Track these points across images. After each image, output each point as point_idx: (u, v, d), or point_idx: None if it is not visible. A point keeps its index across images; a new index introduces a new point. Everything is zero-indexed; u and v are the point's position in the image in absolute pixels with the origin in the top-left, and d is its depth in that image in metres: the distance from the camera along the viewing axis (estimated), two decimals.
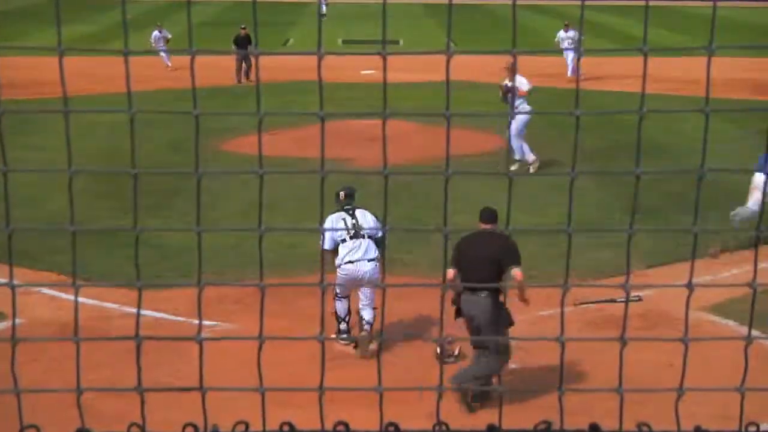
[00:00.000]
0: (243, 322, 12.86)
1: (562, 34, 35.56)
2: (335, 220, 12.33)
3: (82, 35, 47.78)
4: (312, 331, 12.12)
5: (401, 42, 46.10)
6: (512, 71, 20.05)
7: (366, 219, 12.44)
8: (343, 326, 12.58)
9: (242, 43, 35.53)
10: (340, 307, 12.54)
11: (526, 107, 20.86)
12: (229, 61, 36.30)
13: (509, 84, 20.71)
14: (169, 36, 38.78)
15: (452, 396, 10.73)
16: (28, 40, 43.35)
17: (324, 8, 62.97)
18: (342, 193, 12.51)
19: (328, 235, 12.13)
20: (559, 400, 2.42)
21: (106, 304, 13.53)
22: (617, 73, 34.95)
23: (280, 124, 25.09)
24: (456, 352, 11.92)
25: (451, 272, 10.71)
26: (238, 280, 14.37)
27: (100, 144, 22.72)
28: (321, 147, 2.57)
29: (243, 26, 35.70)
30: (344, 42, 48.55)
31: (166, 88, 31.54)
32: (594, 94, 30.63)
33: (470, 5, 67.36)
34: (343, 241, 12.27)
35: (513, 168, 20.72)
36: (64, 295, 14.02)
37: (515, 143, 21.15)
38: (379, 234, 12.24)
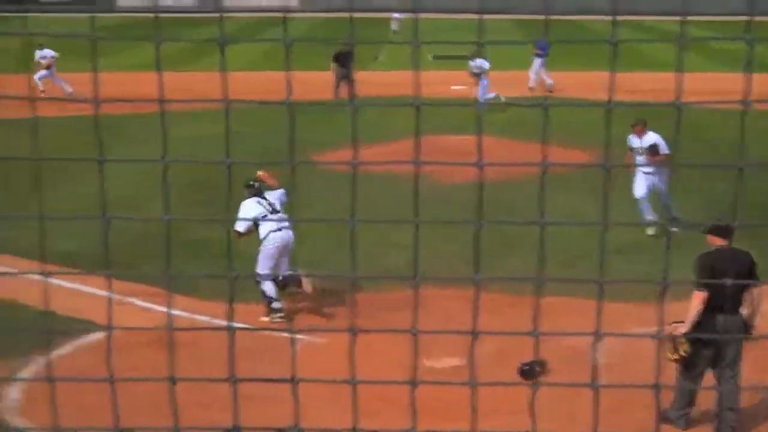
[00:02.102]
0: (330, 335, 12.91)
1: (471, 63, 33.48)
2: (252, 204, 14.18)
3: (174, 51, 48.56)
4: (401, 347, 12.18)
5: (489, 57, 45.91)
6: (643, 126, 18.03)
7: (274, 195, 14.36)
8: (277, 305, 13.88)
9: (342, 59, 35.81)
10: (270, 288, 13.92)
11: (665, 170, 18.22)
12: (324, 76, 36.42)
13: (640, 143, 18.15)
14: (54, 54, 34.99)
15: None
16: (121, 57, 44.18)
17: (396, 25, 63.11)
18: (251, 183, 14.34)
19: (248, 214, 14.04)
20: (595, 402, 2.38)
21: (198, 317, 13.72)
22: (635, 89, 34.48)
23: (372, 139, 25.19)
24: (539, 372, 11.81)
25: (702, 295, 10.14)
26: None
27: (193, 157, 23.07)
28: (415, 134, 2.59)
29: (343, 42, 35.93)
30: (434, 57, 48.63)
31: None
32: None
33: (563, 21, 66.88)
34: (264, 217, 14.04)
35: (651, 233, 18.14)
36: (156, 307, 14.25)
37: (647, 206, 18.26)
38: (284, 199, 14.42)
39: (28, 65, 34.72)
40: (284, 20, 2.60)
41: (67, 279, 15.02)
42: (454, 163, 2.43)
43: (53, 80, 34.69)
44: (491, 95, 32.75)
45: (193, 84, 34.36)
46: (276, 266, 14.05)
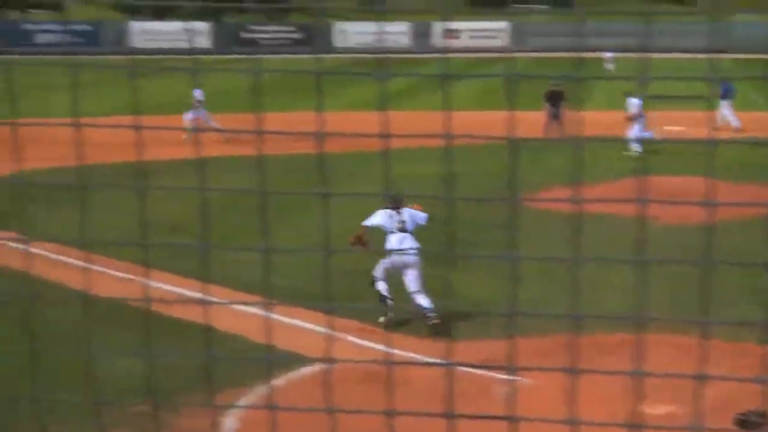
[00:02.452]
0: (544, 378, 12.73)
1: (629, 101, 33.29)
2: (384, 214, 15.34)
3: (392, 90, 49.32)
4: (613, 391, 11.90)
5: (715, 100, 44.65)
6: None
7: (410, 214, 15.33)
8: (390, 303, 15.07)
9: (554, 98, 35.87)
10: (383, 287, 15.18)
11: None
12: (534, 116, 36.32)
13: None
14: (201, 97, 35.32)
15: None
16: (337, 97, 45.24)
17: (610, 64, 62.09)
18: (393, 195, 15.50)
19: (376, 219, 15.33)
20: None
21: (411, 354, 13.82)
22: None
23: (586, 180, 24.84)
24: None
25: None
26: (540, 334, 14.23)
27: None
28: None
29: (554, 82, 35.93)
30: (652, 97, 47.68)
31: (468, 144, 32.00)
32: None
33: None
34: (392, 233, 15.22)
35: None
36: (367, 343, 14.44)
37: None
38: (422, 221, 15.39)
39: (250, 106, 35.70)
40: (511, 58, 2.58)
41: (285, 313, 15.41)
42: (680, 202, 2.35)
43: (202, 121, 34.80)
44: (648, 134, 32.33)
45: (411, 122, 34.71)
46: (390, 277, 15.24)
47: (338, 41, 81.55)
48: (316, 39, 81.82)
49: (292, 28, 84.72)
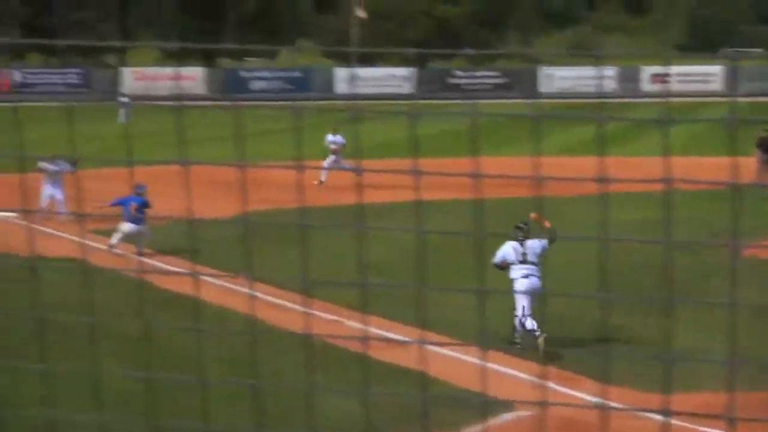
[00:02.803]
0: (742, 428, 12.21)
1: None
2: (507, 248, 16.29)
3: (607, 134, 48.64)
4: None
5: None
6: None
7: (533, 245, 16.18)
8: (539, 334, 15.50)
9: (766, 145, 34.76)
10: (530, 323, 15.64)
11: None
12: (745, 161, 35.18)
13: None
14: (342, 141, 35.19)
15: None
16: (544, 141, 44.94)
17: None
18: (520, 225, 16.42)
19: (500, 254, 16.31)
20: None
21: (614, 404, 13.55)
22: None
23: None
24: None
25: None
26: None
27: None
28: None
29: (766, 128, 34.73)
30: None
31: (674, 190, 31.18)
32: None
33: None
34: (515, 264, 16.17)
35: None
36: (563, 390, 14.28)
37: None
38: (545, 246, 16.24)
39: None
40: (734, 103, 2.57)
41: (487, 356, 15.38)
42: None
43: (338, 166, 34.52)
44: None
45: (614, 168, 34.12)
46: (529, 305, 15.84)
47: (543, 86, 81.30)
48: (521, 83, 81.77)
49: (497, 73, 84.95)
